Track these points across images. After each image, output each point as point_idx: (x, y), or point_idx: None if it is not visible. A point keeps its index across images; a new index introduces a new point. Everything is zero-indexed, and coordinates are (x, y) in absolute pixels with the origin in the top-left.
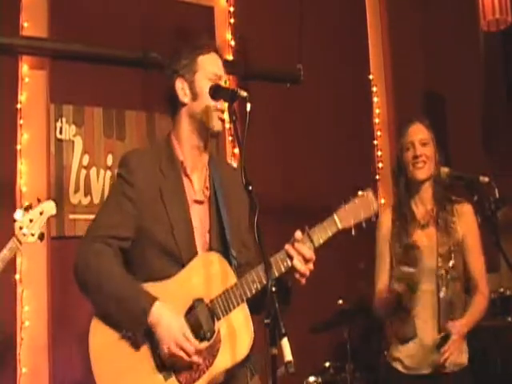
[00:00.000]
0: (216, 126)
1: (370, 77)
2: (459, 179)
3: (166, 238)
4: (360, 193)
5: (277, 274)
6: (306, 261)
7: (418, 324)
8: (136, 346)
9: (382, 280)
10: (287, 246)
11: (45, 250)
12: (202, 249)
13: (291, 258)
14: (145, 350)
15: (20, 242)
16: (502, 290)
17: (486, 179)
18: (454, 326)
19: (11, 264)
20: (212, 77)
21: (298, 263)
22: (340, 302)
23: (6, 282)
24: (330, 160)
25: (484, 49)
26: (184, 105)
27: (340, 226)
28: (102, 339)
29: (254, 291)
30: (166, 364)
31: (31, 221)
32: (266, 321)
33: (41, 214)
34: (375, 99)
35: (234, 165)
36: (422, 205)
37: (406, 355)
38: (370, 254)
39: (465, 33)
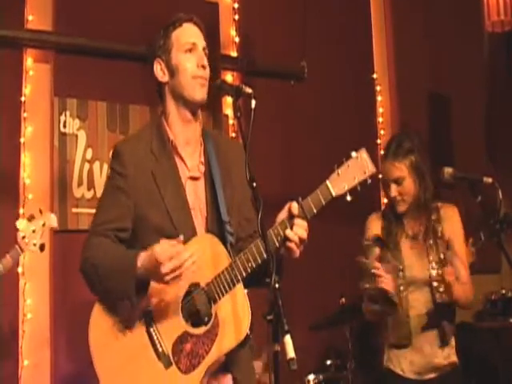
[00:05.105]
0: (198, 94)
1: (374, 76)
2: (463, 180)
3: (163, 222)
4: (353, 154)
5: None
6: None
7: (413, 330)
8: (136, 334)
9: None
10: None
11: (47, 243)
12: (200, 227)
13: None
14: (145, 339)
15: (22, 251)
16: (503, 291)
17: (490, 180)
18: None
19: None
20: (187, 46)
21: (291, 233)
22: (342, 300)
23: (8, 275)
24: (332, 158)
25: (488, 49)
26: (165, 84)
27: (334, 194)
28: (102, 330)
29: (249, 270)
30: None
31: (34, 231)
32: (268, 317)
33: (43, 225)
34: (379, 98)
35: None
36: (413, 220)
37: (403, 359)
38: None
39: (469, 33)
